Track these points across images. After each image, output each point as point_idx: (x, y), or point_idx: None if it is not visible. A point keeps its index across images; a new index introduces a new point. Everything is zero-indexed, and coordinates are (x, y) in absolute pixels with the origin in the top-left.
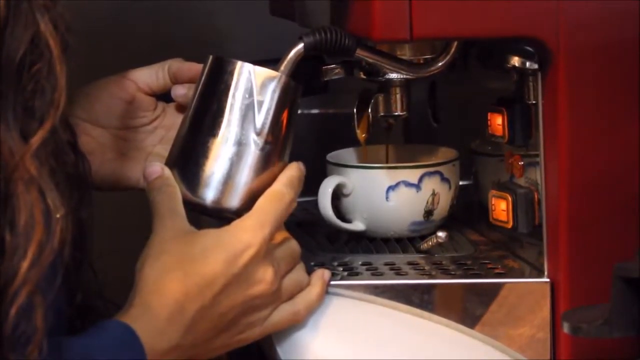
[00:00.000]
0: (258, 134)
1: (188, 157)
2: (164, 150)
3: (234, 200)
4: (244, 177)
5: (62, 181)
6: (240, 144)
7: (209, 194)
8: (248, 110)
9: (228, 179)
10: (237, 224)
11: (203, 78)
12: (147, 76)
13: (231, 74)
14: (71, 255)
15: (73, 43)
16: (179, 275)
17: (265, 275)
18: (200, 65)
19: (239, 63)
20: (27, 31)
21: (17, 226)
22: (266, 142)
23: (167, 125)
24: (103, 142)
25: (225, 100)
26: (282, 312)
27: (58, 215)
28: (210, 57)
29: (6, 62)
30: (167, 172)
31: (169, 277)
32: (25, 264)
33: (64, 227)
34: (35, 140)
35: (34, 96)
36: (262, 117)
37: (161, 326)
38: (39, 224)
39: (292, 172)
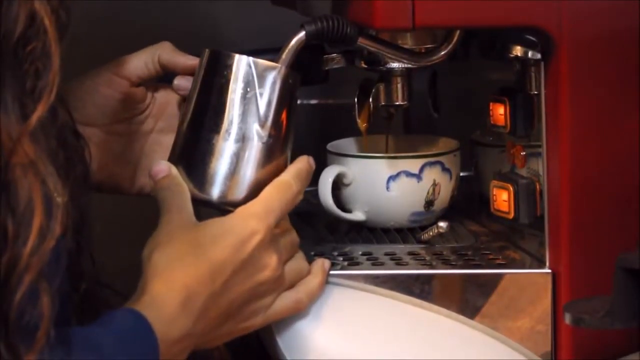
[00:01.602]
0: (261, 127)
1: (192, 155)
2: (157, 144)
3: (240, 194)
4: (249, 170)
5: (63, 165)
6: (244, 139)
7: (215, 190)
8: (250, 104)
9: (234, 174)
10: (243, 210)
11: (201, 73)
12: (138, 69)
13: (230, 67)
14: (73, 241)
15: (71, 25)
16: (189, 262)
17: (270, 261)
18: (192, 58)
19: (238, 56)
20: (22, 10)
21: (17, 212)
22: (269, 135)
23: (156, 114)
24: (97, 142)
25: (226, 95)
26: (285, 300)
27: (60, 200)
28: (207, 50)
29: (3, 42)
30: (174, 170)
31: (179, 265)
32: (26, 250)
33: (66, 212)
34: (32, 121)
35: (30, 77)
36: (264, 109)
37: (173, 314)
38: (39, 209)
39: (301, 164)
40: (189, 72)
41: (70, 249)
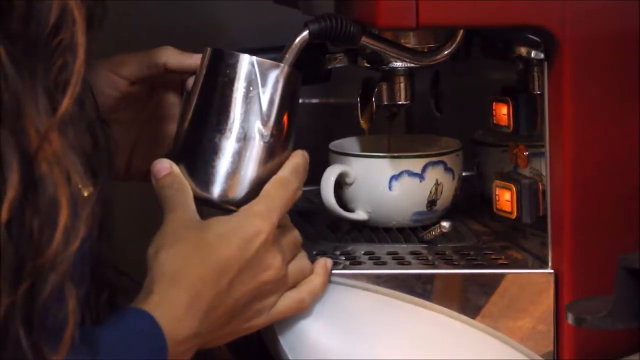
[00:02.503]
0: (263, 126)
1: (194, 153)
2: (153, 132)
3: (240, 193)
4: (251, 170)
5: (91, 158)
6: (246, 138)
7: (216, 189)
8: (252, 104)
9: (235, 173)
10: (247, 210)
11: (203, 71)
12: (139, 71)
13: (233, 66)
14: (96, 233)
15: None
16: (196, 262)
17: (274, 260)
18: (199, 56)
19: (240, 55)
20: (55, 0)
21: (42, 210)
22: (271, 135)
23: (154, 103)
24: None
25: (229, 95)
26: (288, 300)
27: (86, 194)
28: (209, 49)
29: (36, 34)
30: (176, 168)
31: (186, 265)
32: (52, 250)
33: (92, 209)
34: (59, 115)
35: (57, 70)
36: (267, 109)
37: (181, 313)
38: (65, 207)
39: (297, 159)
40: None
41: (93, 242)
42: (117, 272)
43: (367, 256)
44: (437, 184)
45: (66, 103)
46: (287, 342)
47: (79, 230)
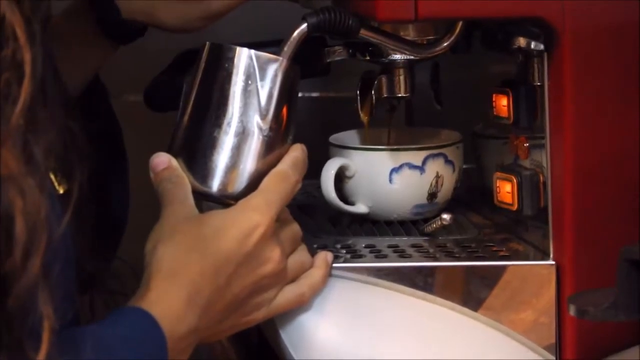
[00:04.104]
0: (262, 120)
1: (193, 148)
2: None
3: (240, 187)
4: (250, 164)
5: (62, 159)
6: (245, 132)
7: (215, 183)
8: (251, 97)
9: (234, 167)
10: (245, 203)
11: (202, 66)
12: None
13: (232, 60)
14: (75, 226)
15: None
16: (194, 257)
17: (273, 254)
18: None
19: (239, 49)
20: None
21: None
22: (270, 128)
23: None
24: None
25: (228, 89)
26: (287, 294)
27: (61, 192)
28: (207, 44)
29: None
30: (174, 162)
31: (185, 258)
32: (10, 265)
33: (65, 209)
34: (9, 130)
35: (5, 85)
36: (266, 103)
37: (180, 310)
38: (20, 224)
39: (296, 153)
40: None
41: (73, 234)
42: (102, 270)
43: (367, 249)
44: (437, 176)
45: (16, 117)
46: (288, 337)
47: (40, 245)
